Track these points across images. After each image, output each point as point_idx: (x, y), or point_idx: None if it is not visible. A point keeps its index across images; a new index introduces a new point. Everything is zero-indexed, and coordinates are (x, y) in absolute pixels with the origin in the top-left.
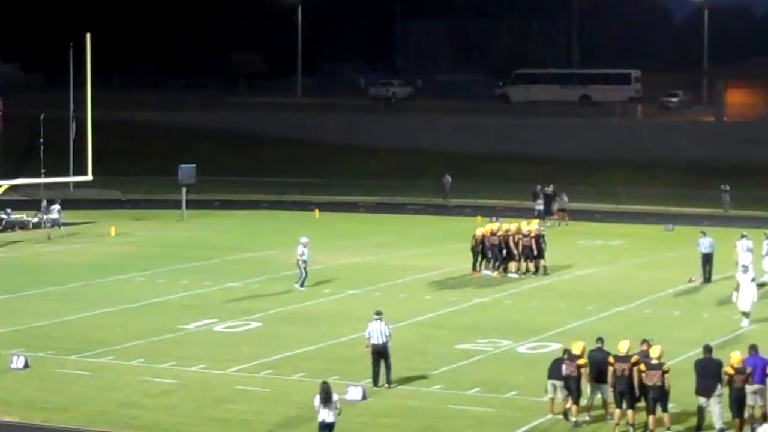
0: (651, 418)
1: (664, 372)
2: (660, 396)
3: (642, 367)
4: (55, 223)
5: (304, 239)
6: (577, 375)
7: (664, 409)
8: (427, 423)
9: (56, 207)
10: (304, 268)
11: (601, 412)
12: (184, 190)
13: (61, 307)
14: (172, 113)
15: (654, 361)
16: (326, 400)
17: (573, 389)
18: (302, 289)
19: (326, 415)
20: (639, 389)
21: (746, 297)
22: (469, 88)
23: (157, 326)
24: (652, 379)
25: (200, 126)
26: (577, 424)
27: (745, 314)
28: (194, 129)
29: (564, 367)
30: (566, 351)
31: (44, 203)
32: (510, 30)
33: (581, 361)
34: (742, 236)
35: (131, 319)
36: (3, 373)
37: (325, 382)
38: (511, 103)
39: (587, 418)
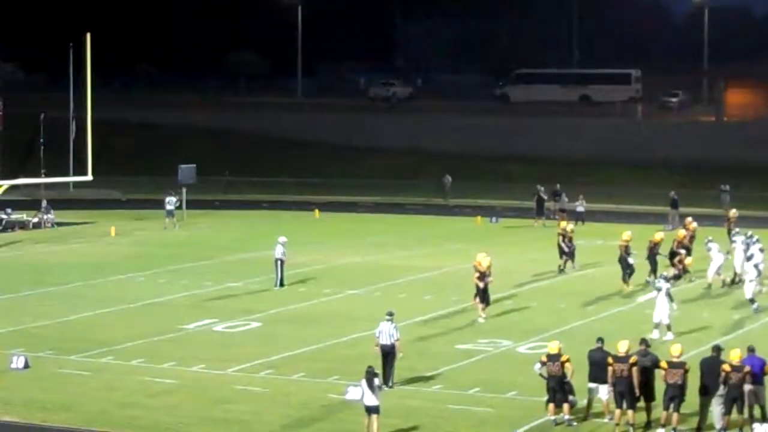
0: (665, 413)
1: (686, 371)
2: (678, 394)
3: (664, 364)
4: (170, 214)
5: (283, 239)
6: (561, 374)
7: (677, 409)
8: (427, 423)
9: (172, 199)
10: (282, 269)
11: (601, 411)
12: (184, 190)
13: (61, 307)
14: (172, 113)
15: (675, 360)
16: (370, 384)
17: (558, 389)
18: (281, 288)
19: (369, 399)
20: (638, 389)
21: (661, 308)
22: (469, 88)
23: (157, 326)
24: (673, 377)
25: (200, 126)
26: (570, 423)
27: (666, 326)
28: (194, 129)
29: (546, 368)
30: (547, 356)
31: (44, 203)
32: (510, 30)
33: (564, 358)
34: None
35: (131, 319)
36: (3, 373)
37: (369, 367)
38: (511, 103)
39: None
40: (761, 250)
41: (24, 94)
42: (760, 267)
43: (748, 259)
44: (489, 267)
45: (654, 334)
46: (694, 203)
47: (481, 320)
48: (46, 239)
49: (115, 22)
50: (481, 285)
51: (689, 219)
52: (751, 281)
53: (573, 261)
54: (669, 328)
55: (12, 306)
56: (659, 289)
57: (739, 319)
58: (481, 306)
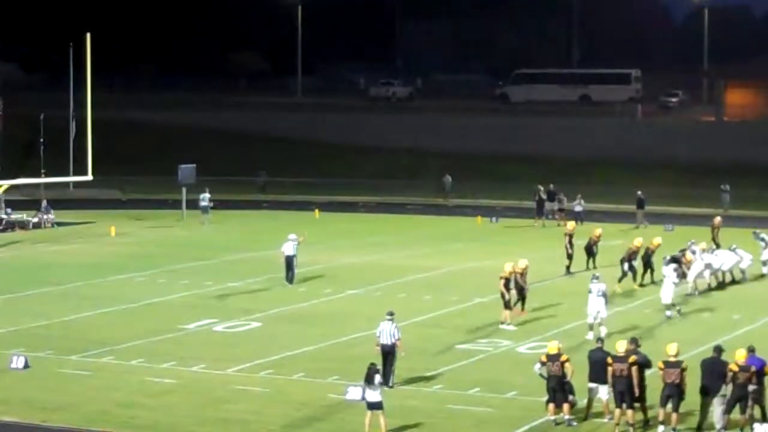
0: (661, 411)
1: (683, 370)
2: (675, 393)
3: (660, 364)
4: (204, 211)
5: (293, 236)
6: (561, 374)
7: (675, 408)
8: (427, 423)
9: (206, 195)
10: (294, 265)
11: (601, 411)
12: (184, 190)
13: (61, 307)
14: (172, 113)
15: (672, 359)
16: (371, 381)
17: (558, 389)
18: (291, 286)
19: (370, 395)
20: (638, 388)
21: (593, 308)
22: (469, 88)
23: (157, 326)
24: (670, 377)
25: (200, 126)
26: (570, 423)
27: (598, 325)
28: (194, 129)
29: (546, 368)
30: (547, 356)
31: (44, 203)
32: (510, 30)
33: (564, 358)
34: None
35: (131, 319)
36: (3, 373)
37: (372, 364)
38: (511, 103)
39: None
40: (693, 252)
41: (24, 94)
42: (685, 270)
43: (668, 262)
44: (513, 272)
45: (589, 336)
46: (695, 203)
47: (503, 327)
48: (46, 239)
49: (115, 22)
50: (506, 292)
51: (718, 219)
52: (674, 284)
53: (594, 262)
54: (600, 324)
55: (12, 306)
56: (591, 291)
57: (738, 320)
58: (505, 313)
